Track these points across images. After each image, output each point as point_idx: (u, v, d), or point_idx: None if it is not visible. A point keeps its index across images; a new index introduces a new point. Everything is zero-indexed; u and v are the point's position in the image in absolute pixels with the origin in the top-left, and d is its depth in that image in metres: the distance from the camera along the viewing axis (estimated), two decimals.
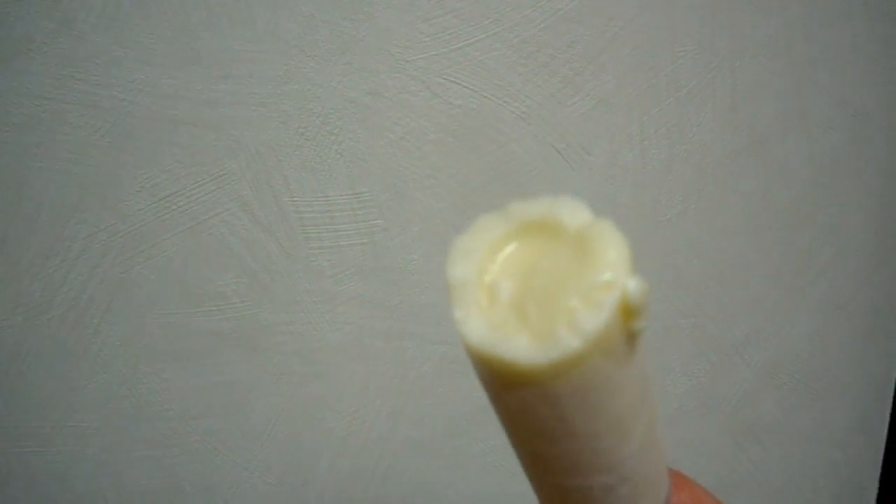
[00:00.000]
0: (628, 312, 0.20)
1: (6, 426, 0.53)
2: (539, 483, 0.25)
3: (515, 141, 0.55)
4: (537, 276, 0.21)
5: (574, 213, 0.21)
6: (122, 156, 0.49)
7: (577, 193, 0.56)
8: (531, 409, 0.21)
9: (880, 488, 0.82)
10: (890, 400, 0.78)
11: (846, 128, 0.64)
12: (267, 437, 0.57)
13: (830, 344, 0.72)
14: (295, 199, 0.53)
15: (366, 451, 0.59)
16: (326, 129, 0.52)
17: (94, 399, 0.53)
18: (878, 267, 0.71)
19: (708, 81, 0.59)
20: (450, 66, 0.53)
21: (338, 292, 0.55)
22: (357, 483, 0.60)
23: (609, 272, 0.19)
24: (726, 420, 0.69)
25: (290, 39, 0.50)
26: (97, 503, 0.55)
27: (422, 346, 0.58)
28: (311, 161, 0.52)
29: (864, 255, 0.69)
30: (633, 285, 0.19)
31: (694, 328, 0.65)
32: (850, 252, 0.69)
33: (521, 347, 0.19)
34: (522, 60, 0.54)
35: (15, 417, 0.53)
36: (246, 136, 0.51)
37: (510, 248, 0.21)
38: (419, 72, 0.53)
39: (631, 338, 0.21)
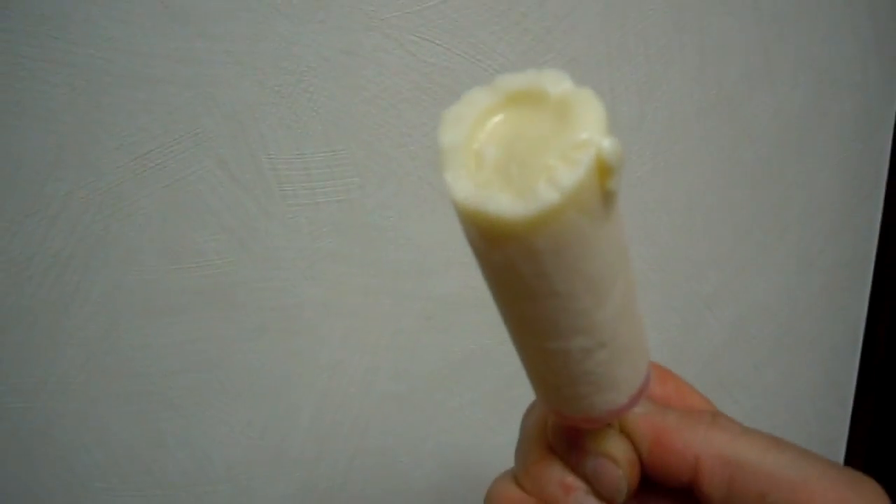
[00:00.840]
0: (603, 170, 0.22)
1: None
2: (524, 348, 0.27)
3: None
4: (521, 141, 0.23)
5: (556, 83, 0.23)
6: (99, 114, 0.50)
7: None
8: (514, 265, 0.23)
9: (849, 440, 0.85)
10: (858, 353, 0.81)
11: (812, 85, 0.66)
12: (247, 391, 0.58)
13: (799, 299, 0.74)
14: (272, 156, 0.54)
15: (345, 405, 0.61)
16: (301, 87, 0.53)
17: (76, 355, 0.54)
18: (844, 222, 0.73)
19: (677, 40, 0.60)
20: (423, 25, 0.54)
21: (315, 249, 0.56)
22: (337, 436, 0.61)
23: (585, 132, 0.21)
24: (697, 374, 0.71)
25: None
26: (80, 457, 0.57)
27: (399, 301, 0.60)
28: (287, 119, 0.53)
29: (831, 211, 0.71)
30: (607, 144, 0.21)
31: (664, 283, 0.66)
32: (817, 208, 0.70)
33: (504, 202, 0.21)
34: (495, 19, 0.55)
35: None
36: (222, 94, 0.51)
37: (497, 118, 0.23)
38: (393, 30, 0.53)
39: (606, 197, 0.22)
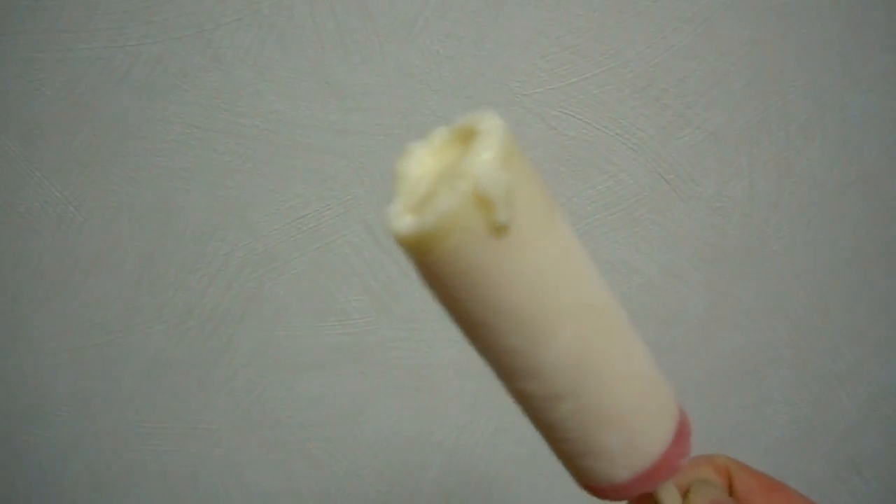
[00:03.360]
0: (481, 201, 0.22)
1: (144, 425, 0.58)
2: (507, 390, 0.27)
3: (625, 171, 0.57)
4: (444, 171, 0.24)
5: (481, 120, 0.23)
6: (260, 180, 0.54)
7: (685, 223, 0.57)
8: (434, 288, 0.24)
9: None
10: None
11: None
12: (380, 447, 0.60)
13: None
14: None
15: (471, 465, 0.62)
16: None
17: (223, 404, 0.57)
18: None
19: (818, 116, 0.59)
20: (565, 100, 0.55)
21: None
22: (462, 495, 0.63)
23: (469, 163, 0.22)
24: (827, 452, 0.69)
25: (417, 74, 0.53)
26: (221, 501, 0.59)
27: None
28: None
29: None
30: (483, 175, 0.22)
31: (797, 359, 0.65)
32: None
33: (404, 223, 0.23)
34: (635, 94, 0.56)
35: (153, 418, 0.57)
36: (373, 163, 0.54)
37: (435, 157, 0.25)
38: (535, 105, 0.55)
39: (498, 231, 0.23)
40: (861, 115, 0.61)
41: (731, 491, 0.31)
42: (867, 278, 0.65)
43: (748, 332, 0.63)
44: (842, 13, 0.58)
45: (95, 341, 0.55)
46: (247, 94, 0.52)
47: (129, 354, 0.56)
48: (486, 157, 0.22)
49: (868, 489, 0.73)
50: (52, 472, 0.58)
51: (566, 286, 0.24)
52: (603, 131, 0.57)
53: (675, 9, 0.55)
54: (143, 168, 0.53)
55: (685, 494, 0.29)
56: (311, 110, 0.53)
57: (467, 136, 0.24)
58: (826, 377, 0.66)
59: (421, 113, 0.54)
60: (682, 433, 0.28)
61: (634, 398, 0.26)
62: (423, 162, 0.25)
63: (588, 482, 0.28)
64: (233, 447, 0.59)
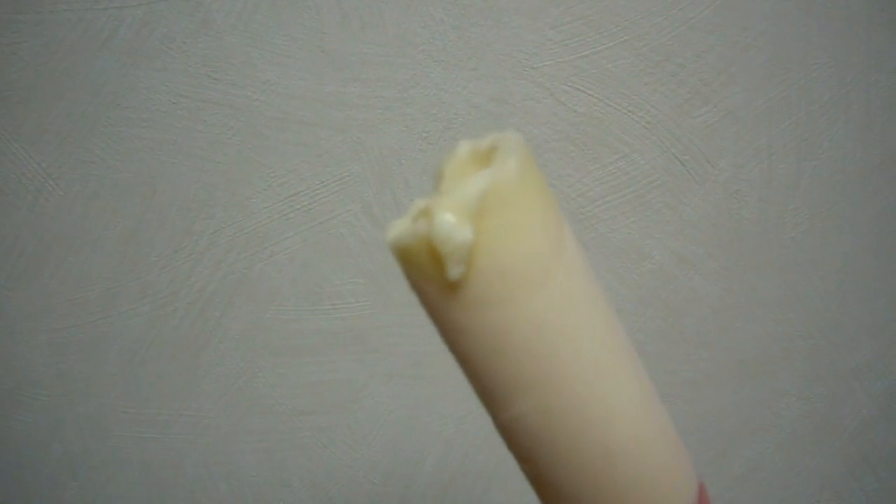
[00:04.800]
0: (432, 251, 0.20)
1: (127, 411, 0.55)
2: None
3: (638, 151, 0.54)
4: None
5: (499, 158, 0.21)
6: (251, 154, 0.50)
7: (699, 207, 0.54)
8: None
9: None
10: None
11: None
12: (374, 436, 0.57)
13: None
14: (414, 202, 0.53)
15: (469, 457, 0.59)
16: (449, 135, 0.52)
17: (211, 390, 0.55)
18: None
19: (842, 96, 0.56)
20: (576, 74, 0.52)
21: None
22: (459, 488, 0.60)
23: (435, 203, 0.20)
24: (841, 448, 0.67)
25: (419, 44, 0.50)
26: (208, 490, 0.57)
27: None
28: (432, 165, 0.52)
29: None
30: (440, 229, 0.20)
31: (812, 351, 0.62)
32: None
33: (393, 227, 0.22)
34: (650, 69, 0.53)
35: (136, 403, 0.55)
36: (371, 138, 0.51)
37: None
38: (545, 79, 0.52)
39: (448, 285, 0.21)
40: (887, 96, 0.58)
41: None
42: (889, 268, 0.62)
43: (762, 322, 0.60)
44: None
45: (75, 322, 0.53)
46: (237, 61, 0.49)
47: (111, 336, 0.53)
48: (448, 207, 0.20)
49: (882, 487, 0.71)
50: (30, 458, 0.55)
51: (531, 358, 0.22)
52: (615, 108, 0.54)
53: None
54: (127, 139, 0.50)
55: None
56: (306, 80, 0.50)
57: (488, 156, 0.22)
58: (842, 371, 0.64)
59: (423, 85, 0.51)
60: None
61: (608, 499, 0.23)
62: (462, 163, 0.23)
63: None
64: (220, 435, 0.56)
